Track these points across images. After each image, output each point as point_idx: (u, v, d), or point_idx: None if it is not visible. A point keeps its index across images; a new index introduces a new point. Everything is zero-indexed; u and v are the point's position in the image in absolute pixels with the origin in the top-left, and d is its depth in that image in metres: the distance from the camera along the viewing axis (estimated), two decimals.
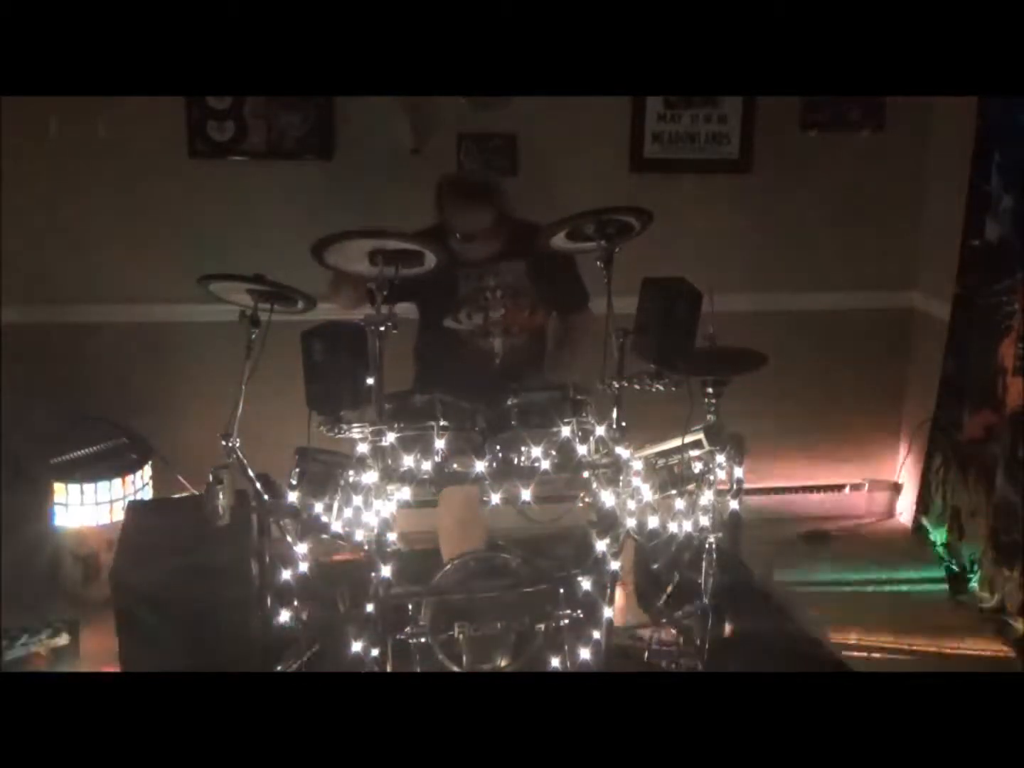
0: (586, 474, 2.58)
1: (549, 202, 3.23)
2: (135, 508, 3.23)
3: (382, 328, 2.38)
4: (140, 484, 3.48)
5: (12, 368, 3.37)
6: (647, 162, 3.74)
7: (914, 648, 3.16)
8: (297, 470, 2.60)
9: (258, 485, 2.58)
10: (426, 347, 3.28)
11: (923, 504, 3.80)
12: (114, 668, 2.80)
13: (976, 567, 3.43)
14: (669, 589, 2.91)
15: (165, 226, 3.55)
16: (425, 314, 3.26)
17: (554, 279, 3.17)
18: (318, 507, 2.59)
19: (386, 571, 2.42)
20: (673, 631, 2.92)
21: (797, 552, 3.80)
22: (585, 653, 2.59)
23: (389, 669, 2.47)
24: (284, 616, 2.68)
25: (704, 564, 2.73)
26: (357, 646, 2.52)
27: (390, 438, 2.44)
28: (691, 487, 2.68)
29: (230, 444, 2.52)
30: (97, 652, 2.98)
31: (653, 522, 2.63)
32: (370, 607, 2.45)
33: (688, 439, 2.65)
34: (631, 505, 2.57)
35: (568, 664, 2.62)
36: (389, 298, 2.44)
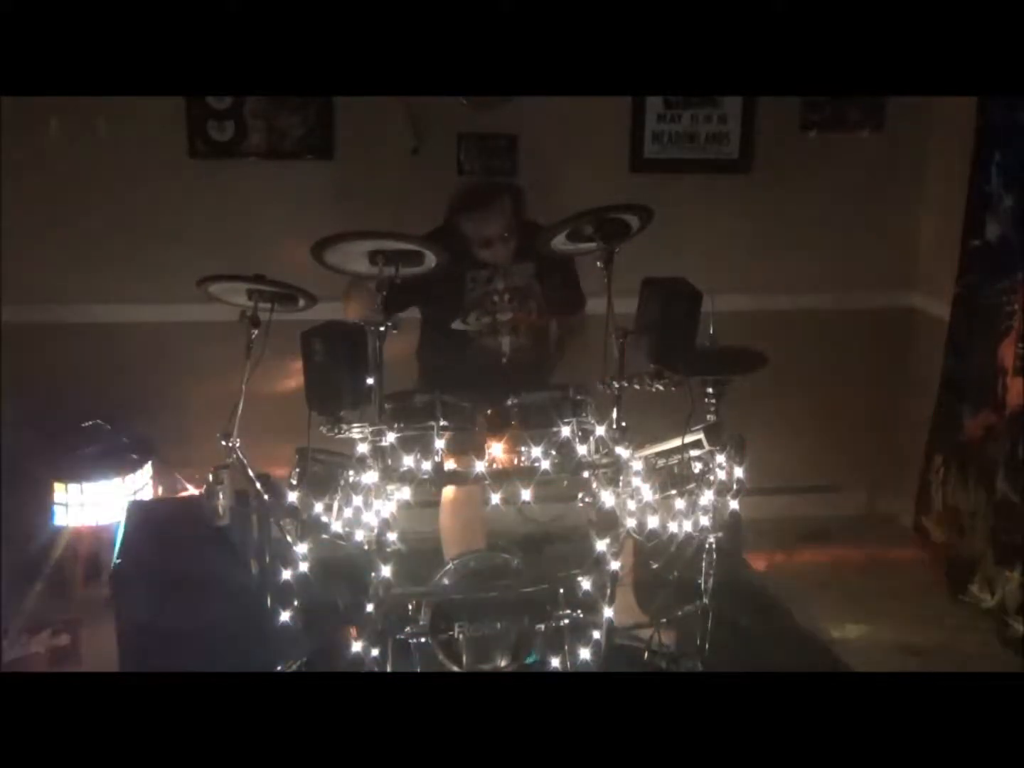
0: (586, 474, 2.58)
1: (549, 202, 3.23)
2: (135, 508, 3.22)
3: (382, 328, 2.38)
4: (140, 484, 3.48)
5: (12, 368, 3.37)
6: (647, 162, 3.74)
7: (914, 648, 3.16)
8: (297, 470, 2.60)
9: (258, 485, 2.58)
10: (429, 349, 3.27)
11: (923, 504, 3.80)
12: (114, 668, 2.80)
13: (976, 567, 3.43)
14: (668, 589, 2.91)
15: (165, 226, 3.55)
16: (429, 316, 3.25)
17: (557, 281, 3.17)
18: (318, 507, 2.58)
19: (386, 571, 2.42)
20: (673, 631, 2.92)
21: (797, 552, 3.80)
22: (585, 653, 2.59)
23: (389, 669, 2.47)
24: (284, 616, 2.68)
25: (704, 564, 2.73)
26: (357, 646, 2.52)
27: (390, 438, 2.44)
28: (691, 487, 2.68)
29: (230, 444, 2.52)
30: (97, 652, 2.98)
31: (653, 522, 2.62)
32: (370, 607, 2.45)
33: (688, 439, 2.65)
34: (631, 505, 2.57)
35: (568, 664, 2.62)
36: (395, 305, 2.44)
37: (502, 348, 3.00)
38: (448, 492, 2.93)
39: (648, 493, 2.61)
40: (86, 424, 3.49)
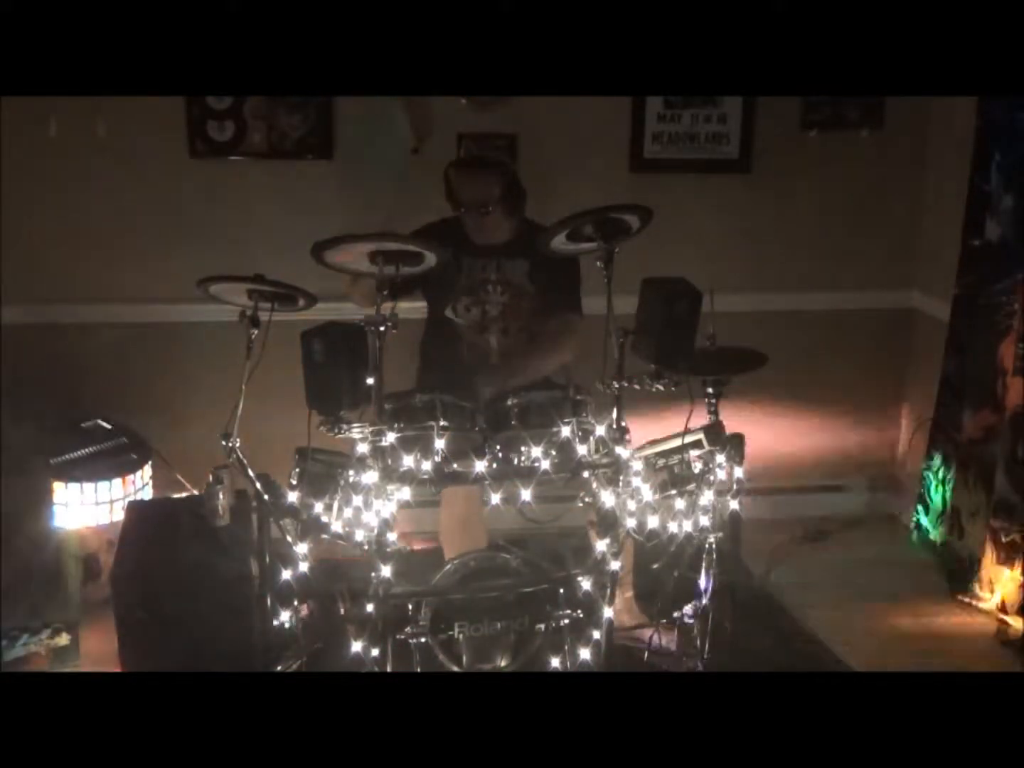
0: (586, 474, 2.58)
1: (549, 202, 3.23)
2: (135, 508, 3.23)
3: (382, 328, 2.38)
4: (140, 484, 3.48)
5: (12, 368, 3.37)
6: (647, 162, 3.74)
7: (914, 648, 3.16)
8: (297, 470, 2.60)
9: (258, 485, 2.58)
10: (430, 341, 3.28)
11: (923, 504, 3.80)
12: (114, 668, 2.80)
13: (976, 567, 3.43)
14: (668, 589, 2.91)
15: (165, 226, 3.55)
16: (431, 307, 3.27)
17: (554, 283, 3.16)
18: (318, 507, 2.59)
19: (386, 571, 2.42)
20: (673, 631, 2.92)
21: (797, 552, 3.80)
22: (585, 653, 2.59)
23: (389, 669, 2.47)
24: (284, 616, 2.68)
25: (704, 564, 2.73)
26: (357, 646, 2.52)
27: (390, 438, 2.44)
28: (691, 487, 2.68)
29: (230, 444, 2.52)
30: (97, 652, 2.98)
31: (653, 522, 2.62)
32: (370, 607, 2.45)
33: (688, 439, 2.65)
34: (631, 505, 2.57)
35: (568, 664, 2.62)
36: (399, 291, 2.46)
37: (490, 345, 3.00)
38: (447, 492, 2.93)
39: (648, 493, 2.61)
40: (86, 424, 3.49)
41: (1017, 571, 3.22)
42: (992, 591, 3.34)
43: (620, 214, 2.50)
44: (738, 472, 2.74)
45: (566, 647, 2.62)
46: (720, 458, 2.67)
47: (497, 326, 3.14)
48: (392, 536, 2.43)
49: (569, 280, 3.16)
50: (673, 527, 2.66)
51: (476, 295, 3.15)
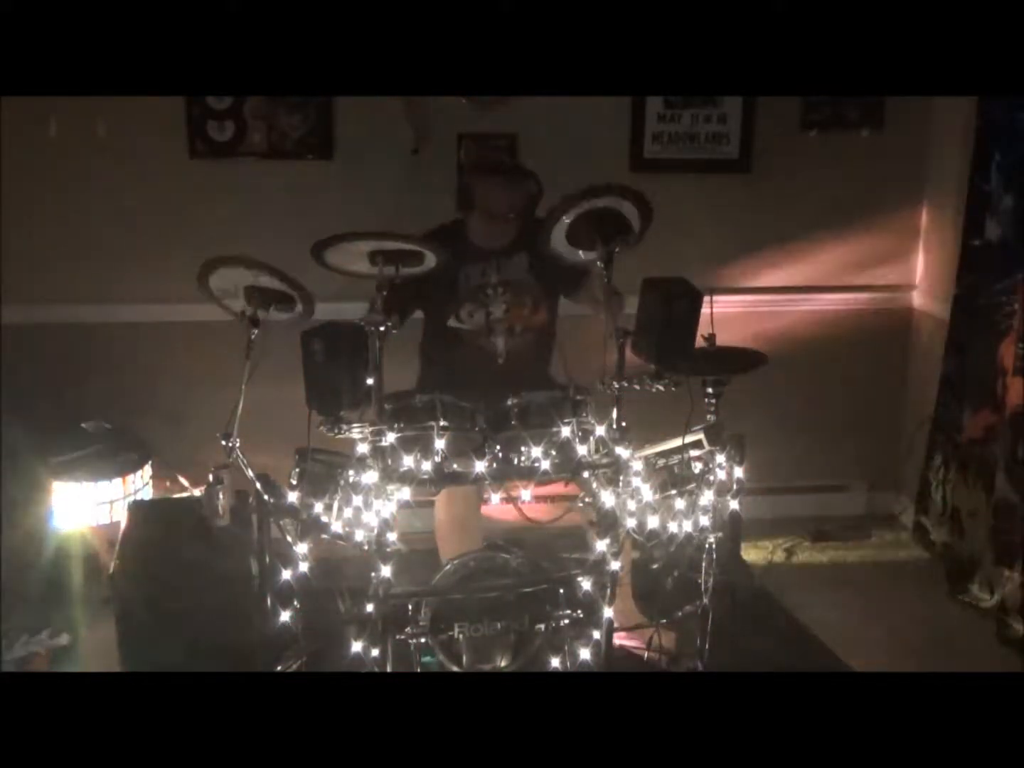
0: (586, 474, 2.58)
1: (549, 202, 3.23)
2: (135, 508, 3.23)
3: (382, 328, 2.38)
4: (140, 484, 3.48)
5: (12, 368, 3.37)
6: (647, 162, 3.74)
7: (914, 648, 3.16)
8: (297, 470, 2.60)
9: (258, 485, 2.58)
10: (430, 343, 3.28)
11: (923, 504, 3.80)
12: (114, 668, 2.80)
13: (976, 567, 3.42)
14: (668, 589, 2.91)
15: (165, 226, 3.55)
16: (429, 314, 3.26)
17: (556, 269, 3.15)
18: (318, 507, 2.58)
19: (386, 571, 2.42)
20: (673, 631, 2.92)
21: (797, 552, 3.80)
22: (585, 653, 2.59)
23: (389, 669, 2.47)
24: (284, 616, 2.68)
25: (704, 564, 2.73)
26: (357, 646, 2.52)
27: (390, 438, 2.44)
28: (691, 487, 2.68)
29: (230, 444, 2.52)
30: (97, 652, 2.98)
31: (653, 522, 2.62)
32: (370, 607, 2.45)
33: (688, 439, 2.65)
34: (631, 505, 2.57)
35: (568, 664, 2.62)
36: (395, 306, 2.44)
37: (497, 349, 3.00)
38: (444, 492, 2.92)
39: (648, 493, 2.61)
40: (86, 424, 3.49)
41: (1017, 571, 3.22)
42: (992, 591, 3.34)
43: (621, 196, 2.44)
44: (738, 472, 2.74)
45: (566, 647, 2.62)
46: (720, 458, 2.67)
47: (502, 327, 3.13)
48: (392, 536, 2.43)
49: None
50: (673, 527, 2.66)
51: (478, 300, 3.14)
